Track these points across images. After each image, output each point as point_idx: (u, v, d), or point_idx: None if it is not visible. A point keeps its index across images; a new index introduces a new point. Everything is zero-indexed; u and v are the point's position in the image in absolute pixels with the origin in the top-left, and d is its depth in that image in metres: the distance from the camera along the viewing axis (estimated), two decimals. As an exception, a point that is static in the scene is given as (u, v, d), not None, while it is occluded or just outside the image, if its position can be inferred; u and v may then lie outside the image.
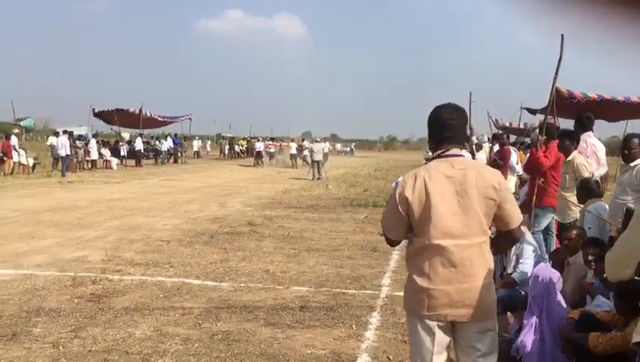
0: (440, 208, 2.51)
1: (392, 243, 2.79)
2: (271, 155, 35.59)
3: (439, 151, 2.64)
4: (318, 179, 21.87)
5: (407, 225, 2.63)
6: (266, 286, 6.11)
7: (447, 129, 2.64)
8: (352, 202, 14.10)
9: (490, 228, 2.63)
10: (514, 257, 5.53)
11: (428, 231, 2.53)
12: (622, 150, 5.29)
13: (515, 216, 2.62)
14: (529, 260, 5.46)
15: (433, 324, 2.56)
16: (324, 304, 5.52)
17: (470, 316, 2.53)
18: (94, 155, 26.09)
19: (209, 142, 55.70)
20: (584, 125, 6.83)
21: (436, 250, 2.52)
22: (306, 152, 27.24)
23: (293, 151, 32.80)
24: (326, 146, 37.99)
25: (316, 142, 25.07)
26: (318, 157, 22.72)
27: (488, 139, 15.28)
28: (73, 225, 9.92)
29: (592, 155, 6.67)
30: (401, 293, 2.97)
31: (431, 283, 2.53)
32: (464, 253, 2.51)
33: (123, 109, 30.30)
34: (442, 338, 2.58)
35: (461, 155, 2.65)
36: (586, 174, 6.21)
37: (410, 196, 2.55)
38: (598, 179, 6.65)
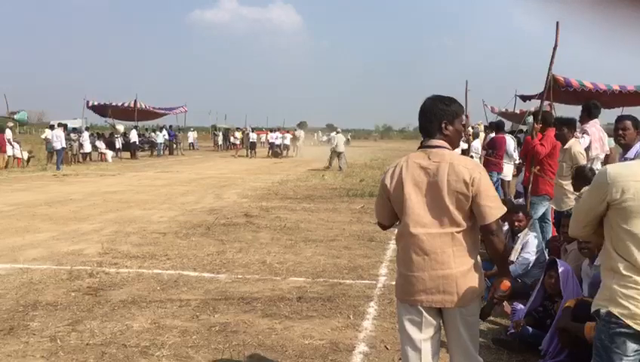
0: (412, 197, 2.59)
1: (383, 227, 2.90)
2: (286, 147, 33.31)
3: (421, 142, 2.72)
4: (340, 170, 21.35)
5: (392, 211, 2.73)
6: (263, 278, 6.11)
7: (422, 121, 2.70)
8: (349, 192, 14.10)
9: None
10: (519, 246, 5.56)
11: (404, 219, 2.62)
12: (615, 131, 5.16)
13: (489, 211, 2.53)
14: (530, 255, 5.51)
15: (417, 309, 2.61)
16: (322, 294, 5.53)
17: (447, 302, 2.57)
18: (87, 148, 25.93)
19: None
20: (591, 113, 7.00)
21: (410, 238, 2.59)
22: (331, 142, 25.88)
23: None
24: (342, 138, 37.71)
25: (337, 133, 24.19)
26: (342, 148, 22.36)
27: (485, 127, 15.25)
28: (69, 219, 9.88)
29: (598, 140, 6.89)
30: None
31: (408, 269, 2.62)
32: (435, 242, 2.55)
33: (117, 105, 30.24)
34: (428, 323, 2.62)
35: (441, 147, 2.63)
36: (583, 162, 6.22)
37: (389, 184, 2.67)
38: (599, 165, 6.75)
